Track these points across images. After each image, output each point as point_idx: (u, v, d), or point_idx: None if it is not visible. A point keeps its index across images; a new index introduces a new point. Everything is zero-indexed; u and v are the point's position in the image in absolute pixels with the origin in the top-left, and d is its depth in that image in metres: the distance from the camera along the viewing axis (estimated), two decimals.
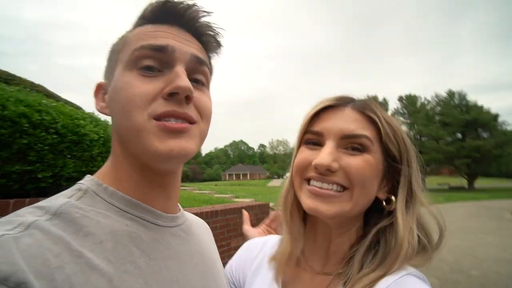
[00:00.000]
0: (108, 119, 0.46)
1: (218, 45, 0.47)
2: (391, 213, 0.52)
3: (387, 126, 0.51)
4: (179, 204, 0.52)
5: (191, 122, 0.41)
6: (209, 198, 7.50)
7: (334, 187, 0.49)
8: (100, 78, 0.48)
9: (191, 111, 0.40)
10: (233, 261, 0.69)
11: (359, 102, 0.54)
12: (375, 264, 0.48)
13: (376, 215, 0.54)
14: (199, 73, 0.44)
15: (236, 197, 9.39)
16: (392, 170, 0.52)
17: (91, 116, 2.59)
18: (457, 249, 5.84)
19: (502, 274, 4.33)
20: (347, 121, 0.51)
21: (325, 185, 0.49)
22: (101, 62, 0.48)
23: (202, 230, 0.58)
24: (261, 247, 0.66)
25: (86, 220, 0.36)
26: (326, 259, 0.55)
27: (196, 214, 2.37)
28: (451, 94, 33.60)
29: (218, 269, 0.54)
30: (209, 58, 0.48)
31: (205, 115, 0.43)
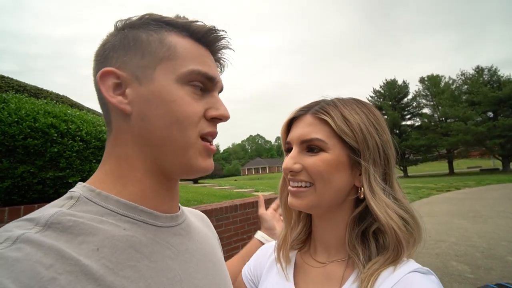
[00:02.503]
0: None
1: (221, 70, 0.53)
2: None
3: (342, 123, 0.55)
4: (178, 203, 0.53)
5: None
6: (228, 193, 7.66)
7: (302, 184, 0.57)
8: None
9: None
10: (251, 260, 0.77)
11: (317, 107, 0.59)
12: (375, 249, 0.54)
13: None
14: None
15: (255, 191, 9.49)
16: (358, 160, 0.57)
17: None
18: (490, 234, 5.54)
19: None
20: (304, 127, 0.58)
21: (295, 184, 0.58)
22: None
23: (202, 226, 0.59)
24: (274, 248, 0.72)
25: (80, 227, 0.34)
26: (328, 250, 0.61)
27: (216, 209, 2.44)
28: (479, 70, 31.10)
29: (221, 264, 0.54)
30: None
31: None
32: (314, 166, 0.55)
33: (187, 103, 0.42)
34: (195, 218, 0.58)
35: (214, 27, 0.46)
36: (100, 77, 0.41)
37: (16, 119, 1.85)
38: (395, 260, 0.52)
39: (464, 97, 30.72)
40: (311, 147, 0.57)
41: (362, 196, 0.56)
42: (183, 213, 0.51)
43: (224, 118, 0.46)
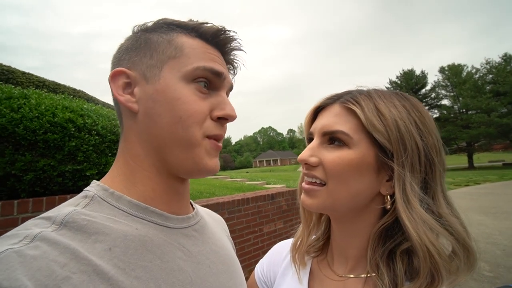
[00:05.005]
0: None
1: (234, 72, 0.52)
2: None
3: (373, 115, 0.47)
4: (193, 202, 0.53)
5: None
6: (240, 185, 7.72)
7: (317, 180, 0.51)
8: None
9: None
10: (264, 261, 0.72)
11: (347, 96, 0.52)
12: (402, 271, 0.46)
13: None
14: (228, 95, 0.50)
15: (267, 184, 9.51)
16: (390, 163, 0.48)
17: None
18: None
19: None
20: (329, 118, 0.52)
21: (308, 179, 0.53)
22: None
23: (217, 227, 0.58)
24: (290, 248, 0.67)
25: (94, 227, 0.35)
26: (346, 261, 0.56)
27: (228, 202, 2.47)
28: (507, 58, 29.22)
29: (236, 267, 0.53)
30: None
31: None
32: (332, 162, 0.48)
33: (192, 101, 0.42)
34: (212, 220, 0.58)
35: (224, 27, 0.46)
36: (111, 76, 0.43)
37: (36, 114, 1.92)
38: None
39: (488, 87, 29.10)
40: (334, 140, 0.50)
41: (388, 206, 0.49)
42: (197, 214, 0.50)
43: (230, 118, 0.45)
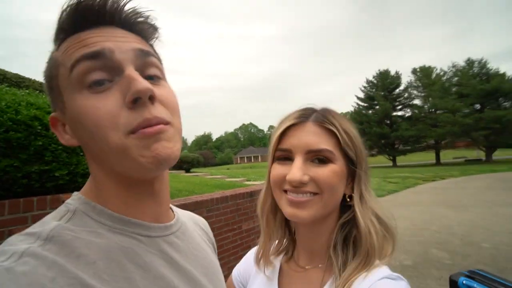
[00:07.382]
0: None
1: (154, 28, 0.44)
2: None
3: (345, 135, 0.57)
4: (173, 207, 0.53)
5: (165, 123, 0.38)
6: (220, 182, 7.68)
7: (308, 195, 0.56)
8: None
9: (160, 112, 0.38)
10: (241, 264, 0.78)
11: (318, 115, 0.59)
12: (352, 255, 0.57)
13: (347, 209, 0.61)
14: (150, 67, 0.41)
15: (247, 180, 9.55)
16: (353, 170, 0.61)
17: None
18: (469, 222, 5.83)
19: None
20: (310, 136, 0.57)
21: (299, 196, 0.56)
22: None
23: (198, 231, 0.59)
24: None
25: (77, 241, 0.36)
26: (311, 255, 0.63)
27: (206, 200, 2.46)
28: (470, 63, 31.45)
29: (215, 269, 0.54)
30: (152, 47, 0.45)
31: (174, 110, 0.41)
32: (327, 177, 0.55)
33: (91, 107, 0.36)
34: (192, 224, 0.58)
35: (72, 3, 0.37)
36: (52, 127, 0.43)
37: None
38: (366, 264, 0.54)
39: (454, 89, 31.17)
40: (319, 157, 0.56)
41: (352, 203, 0.59)
42: (178, 221, 0.51)
43: (140, 94, 0.35)
